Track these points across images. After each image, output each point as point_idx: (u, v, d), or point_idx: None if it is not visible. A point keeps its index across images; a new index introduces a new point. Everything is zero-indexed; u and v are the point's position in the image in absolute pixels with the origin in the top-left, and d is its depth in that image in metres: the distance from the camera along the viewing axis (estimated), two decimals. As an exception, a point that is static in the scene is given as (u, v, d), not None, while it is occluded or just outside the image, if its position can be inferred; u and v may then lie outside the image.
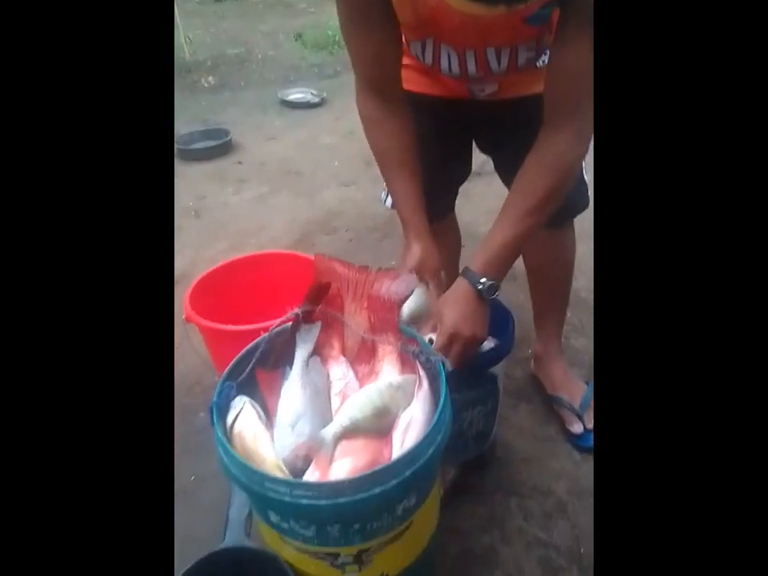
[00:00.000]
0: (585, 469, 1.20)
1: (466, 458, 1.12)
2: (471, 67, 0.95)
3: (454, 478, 1.12)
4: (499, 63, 0.94)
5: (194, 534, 1.09)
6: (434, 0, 0.83)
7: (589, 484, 1.16)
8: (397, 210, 1.07)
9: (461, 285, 0.94)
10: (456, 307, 0.93)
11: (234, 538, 0.89)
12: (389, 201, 1.24)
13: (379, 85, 0.99)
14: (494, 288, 0.93)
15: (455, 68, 0.96)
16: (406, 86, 1.06)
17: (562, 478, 1.19)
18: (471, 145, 1.25)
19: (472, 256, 0.95)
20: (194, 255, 2.04)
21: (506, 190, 1.25)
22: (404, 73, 1.06)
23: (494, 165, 1.26)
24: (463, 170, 1.30)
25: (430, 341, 0.94)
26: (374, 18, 0.89)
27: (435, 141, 1.12)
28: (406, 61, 1.05)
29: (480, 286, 0.92)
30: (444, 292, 0.98)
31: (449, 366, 0.86)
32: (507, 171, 1.22)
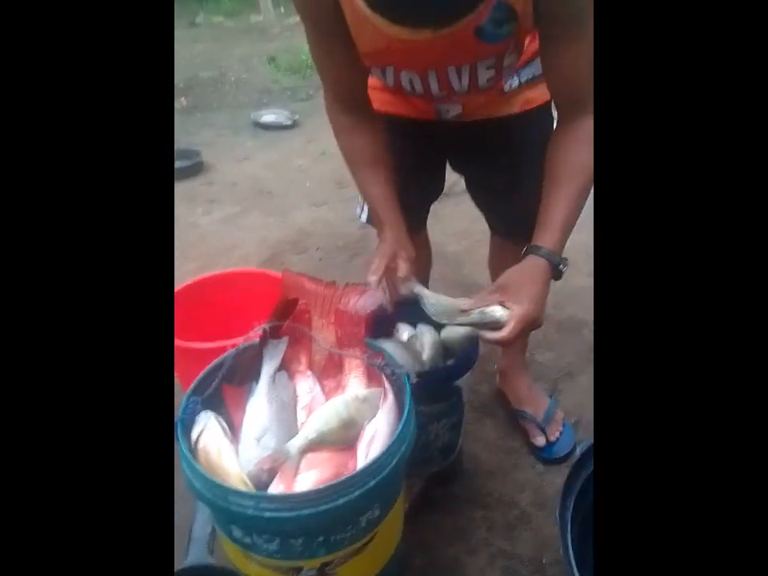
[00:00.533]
0: (548, 480, 1.22)
1: (431, 471, 1.14)
2: (434, 86, 0.99)
3: (421, 490, 1.13)
4: (460, 81, 0.97)
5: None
6: (384, 25, 0.87)
7: (552, 495, 1.18)
8: (371, 211, 1.09)
9: (537, 264, 0.90)
10: (534, 289, 0.89)
11: (197, 555, 0.89)
12: (364, 215, 1.26)
13: (348, 101, 1.03)
14: (566, 267, 0.92)
15: (418, 88, 1.00)
16: (377, 106, 1.10)
17: (525, 490, 1.21)
18: (444, 163, 1.28)
19: (536, 235, 0.91)
20: (164, 275, 2.03)
21: (476, 211, 1.30)
22: (375, 94, 1.10)
23: (465, 183, 1.30)
24: (436, 188, 1.33)
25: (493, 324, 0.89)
26: (336, 44, 0.93)
27: (408, 158, 1.15)
28: (377, 83, 1.09)
29: (561, 266, 0.90)
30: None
31: (413, 378, 0.88)
32: (478, 190, 1.26)
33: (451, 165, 1.28)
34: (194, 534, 0.90)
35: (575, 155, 0.92)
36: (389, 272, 0.99)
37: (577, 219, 0.92)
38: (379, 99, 1.12)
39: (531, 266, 0.90)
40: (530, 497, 1.19)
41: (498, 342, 0.89)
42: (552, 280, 0.91)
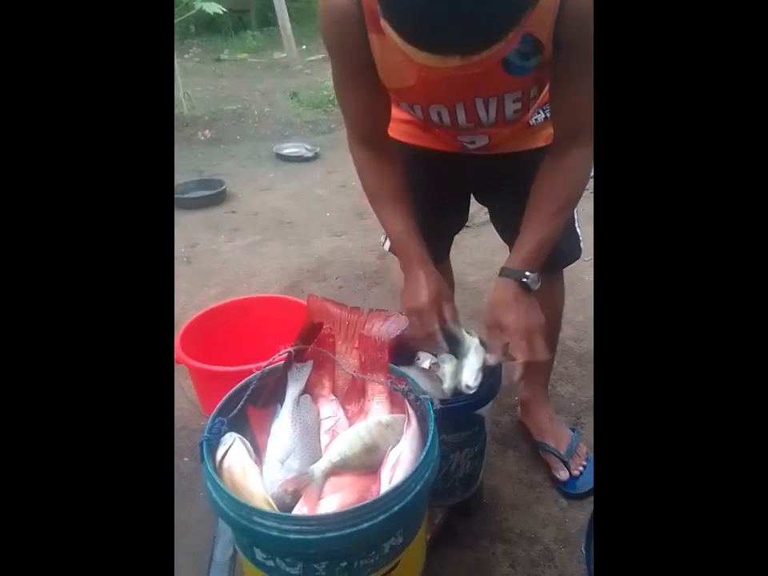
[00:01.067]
0: (571, 516, 1.20)
1: (452, 502, 1.12)
2: (461, 118, 1.01)
3: (441, 521, 1.11)
4: (488, 113, 0.99)
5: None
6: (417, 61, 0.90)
7: (575, 531, 1.16)
8: (395, 246, 1.11)
9: (506, 285, 0.99)
10: (512, 309, 0.98)
11: (217, 578, 0.88)
12: (387, 244, 1.28)
13: (370, 137, 1.06)
14: (537, 278, 0.99)
15: (446, 119, 1.02)
16: (403, 138, 1.12)
17: (548, 525, 1.18)
18: (468, 196, 1.30)
19: (509, 257, 1.01)
20: (185, 301, 2.05)
21: (498, 241, 1.30)
22: (401, 126, 1.13)
23: (490, 216, 1.31)
24: (459, 219, 1.35)
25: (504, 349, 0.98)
26: (362, 82, 0.96)
27: (432, 189, 1.17)
28: (403, 115, 1.11)
29: (525, 279, 0.98)
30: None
31: (436, 404, 0.87)
32: (503, 223, 1.27)
33: (476, 197, 1.30)
34: (215, 558, 0.89)
35: (559, 180, 0.98)
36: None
37: (553, 239, 1.00)
38: (405, 131, 1.15)
39: (502, 290, 0.99)
40: (553, 532, 1.16)
41: (521, 367, 0.96)
42: (527, 292, 0.98)
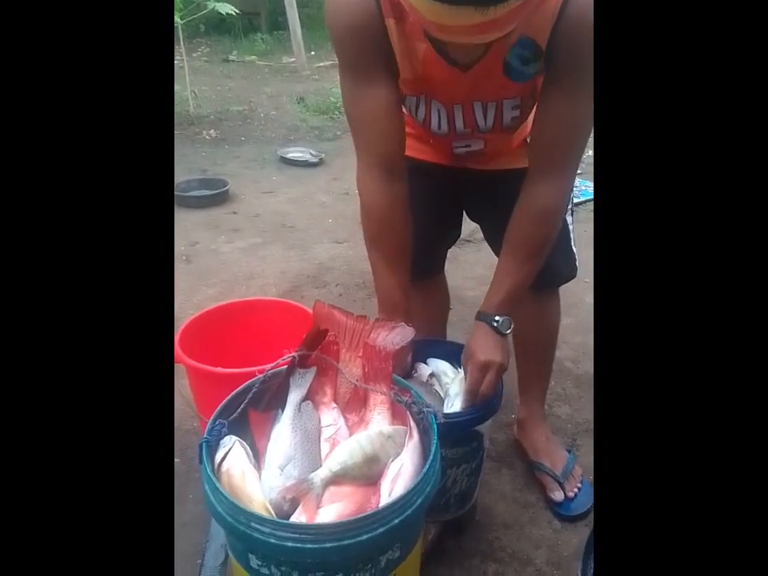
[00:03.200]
0: (564, 538, 1.19)
1: (446, 518, 1.11)
2: (459, 123, 1.01)
3: (434, 537, 1.10)
4: (485, 119, 0.99)
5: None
6: (421, 49, 0.90)
7: (568, 554, 1.15)
8: (381, 296, 1.10)
9: (480, 327, 1.05)
10: (481, 344, 1.03)
11: (208, 584, 0.86)
12: None
13: (384, 158, 1.00)
14: (508, 322, 1.04)
15: (443, 125, 1.02)
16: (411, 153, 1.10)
17: (541, 547, 1.17)
18: (461, 211, 1.31)
19: (484, 300, 1.07)
20: (183, 299, 2.04)
21: (496, 257, 1.31)
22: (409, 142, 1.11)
23: (483, 234, 1.32)
24: (453, 234, 1.36)
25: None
26: (376, 75, 0.93)
27: (427, 203, 1.16)
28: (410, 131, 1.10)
29: (495, 324, 1.03)
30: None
31: (440, 418, 0.87)
32: (495, 241, 1.27)
33: (468, 214, 1.30)
34: (206, 562, 0.88)
35: (530, 228, 1.00)
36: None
37: (525, 284, 1.04)
38: (407, 144, 1.13)
39: (477, 331, 1.05)
40: (546, 554, 1.15)
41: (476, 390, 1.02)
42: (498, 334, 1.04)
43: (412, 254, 1.09)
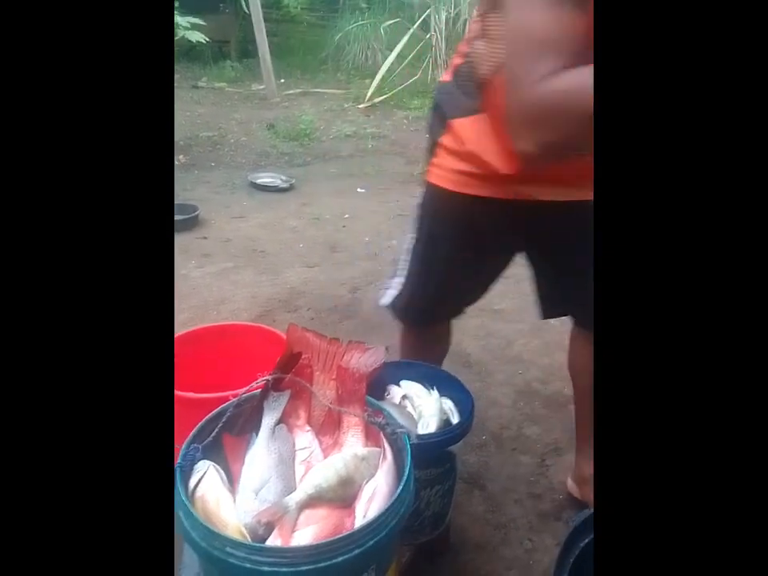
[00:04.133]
0: (535, 558, 1.20)
1: (421, 540, 1.11)
2: None
3: (408, 560, 1.10)
4: None
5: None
6: None
7: (539, 574, 1.16)
8: None
9: None
10: None
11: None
12: (386, 299, 1.23)
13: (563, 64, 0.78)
14: None
15: None
16: (452, 187, 1.03)
17: (513, 568, 1.18)
18: (503, 261, 1.18)
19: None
20: (151, 324, 2.01)
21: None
22: (452, 175, 1.03)
23: (533, 282, 1.22)
24: (482, 288, 1.22)
25: None
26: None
27: (467, 246, 1.08)
28: (456, 164, 1.02)
29: None
30: None
31: (413, 438, 0.88)
32: (541, 292, 1.19)
33: (526, 254, 1.16)
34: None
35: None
36: None
37: None
38: (455, 180, 1.04)
39: None
40: (518, 575, 1.16)
41: None
42: None
43: (424, 295, 1.04)
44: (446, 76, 1.09)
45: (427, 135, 1.11)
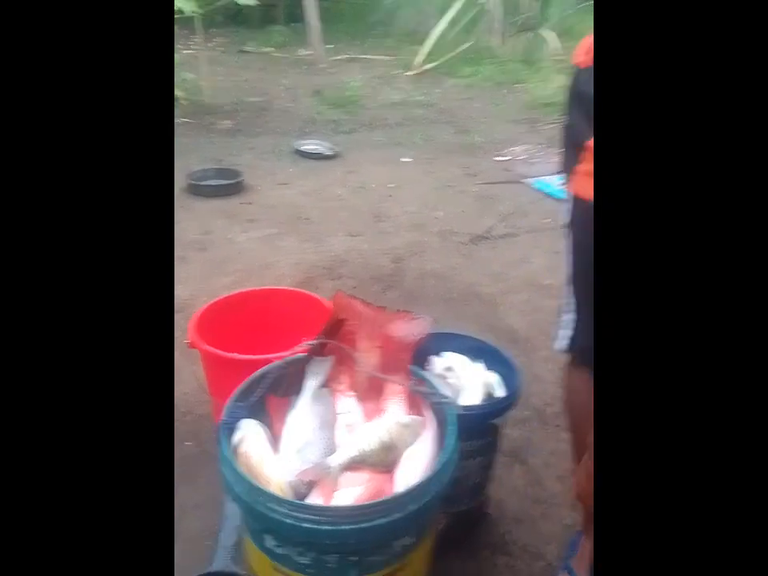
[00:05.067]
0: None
1: (457, 510, 1.11)
2: None
3: (445, 528, 1.10)
4: None
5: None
6: None
7: (578, 551, 1.15)
8: None
9: None
10: None
11: (221, 563, 0.87)
12: (563, 342, 1.05)
13: None
14: None
15: None
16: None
17: (552, 542, 1.17)
18: None
19: None
20: (197, 287, 2.05)
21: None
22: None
23: None
24: None
25: None
26: None
27: None
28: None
29: None
30: None
31: (458, 409, 0.87)
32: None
33: None
34: (221, 542, 0.88)
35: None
36: None
37: None
38: None
39: None
40: (557, 550, 1.15)
41: None
42: None
43: None
44: (586, 57, 0.87)
45: (564, 135, 0.93)
